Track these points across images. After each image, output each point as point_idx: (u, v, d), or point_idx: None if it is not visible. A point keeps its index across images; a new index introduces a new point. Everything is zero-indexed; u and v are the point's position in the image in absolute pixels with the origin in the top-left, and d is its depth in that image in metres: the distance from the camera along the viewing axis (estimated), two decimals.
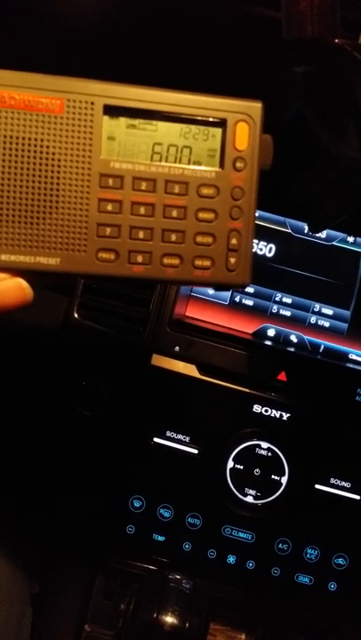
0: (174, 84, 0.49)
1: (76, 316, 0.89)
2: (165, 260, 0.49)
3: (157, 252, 0.49)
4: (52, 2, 0.79)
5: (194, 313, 0.93)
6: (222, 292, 0.93)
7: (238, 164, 0.49)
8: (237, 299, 0.93)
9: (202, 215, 0.49)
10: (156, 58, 0.80)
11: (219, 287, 0.54)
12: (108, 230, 0.48)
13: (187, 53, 0.80)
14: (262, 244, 0.92)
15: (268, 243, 0.92)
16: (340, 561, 0.96)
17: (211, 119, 0.49)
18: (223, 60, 0.81)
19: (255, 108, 0.50)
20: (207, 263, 0.50)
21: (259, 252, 0.92)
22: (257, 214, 0.89)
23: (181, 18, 0.80)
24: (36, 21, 0.80)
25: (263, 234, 0.92)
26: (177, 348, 0.90)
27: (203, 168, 0.49)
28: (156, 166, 0.48)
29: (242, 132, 0.49)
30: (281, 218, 0.92)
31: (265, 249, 0.92)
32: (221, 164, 0.49)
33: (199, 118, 0.49)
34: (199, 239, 0.49)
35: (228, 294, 0.93)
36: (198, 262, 0.50)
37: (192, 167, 0.49)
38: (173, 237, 0.49)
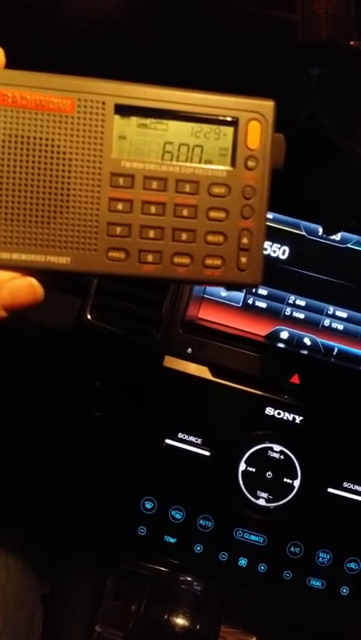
0: (185, 85, 0.49)
1: (88, 317, 0.90)
2: (176, 260, 0.49)
3: (168, 252, 0.49)
4: (59, 5, 0.79)
5: (206, 315, 0.93)
6: (235, 292, 0.92)
7: (250, 163, 0.49)
8: (250, 301, 0.93)
9: (213, 214, 0.49)
10: (167, 59, 0.81)
11: (230, 287, 0.54)
12: (119, 229, 0.48)
13: (199, 55, 0.81)
14: (276, 245, 0.92)
15: (282, 245, 0.92)
16: (353, 565, 0.95)
17: (222, 118, 0.49)
18: (236, 62, 0.81)
19: (267, 106, 0.49)
20: (218, 262, 0.50)
21: (272, 254, 0.92)
22: (271, 216, 0.90)
23: (192, 19, 0.80)
24: (46, 22, 0.80)
25: (277, 236, 0.92)
26: (189, 349, 0.90)
27: (214, 167, 0.49)
28: (167, 165, 0.48)
29: (254, 130, 0.49)
30: (295, 220, 0.92)
31: (279, 251, 0.92)
32: (233, 163, 0.49)
33: (211, 117, 0.48)
34: (210, 238, 0.49)
35: (241, 296, 0.93)
36: (209, 261, 0.49)
37: (203, 166, 0.49)
38: (184, 236, 0.49)
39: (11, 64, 0.46)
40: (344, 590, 0.96)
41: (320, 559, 0.95)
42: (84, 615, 1.00)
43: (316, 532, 0.95)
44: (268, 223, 0.88)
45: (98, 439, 0.95)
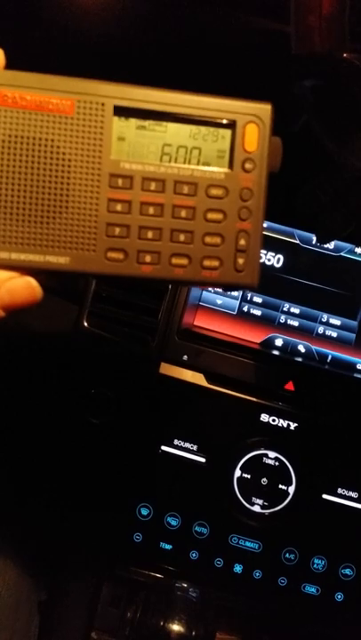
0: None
1: (85, 324, 0.90)
2: (174, 260, 0.49)
3: (166, 252, 0.49)
4: (58, 14, 0.80)
5: (202, 322, 0.94)
6: (230, 299, 0.93)
7: (247, 166, 0.50)
8: (245, 308, 0.94)
9: (210, 216, 0.49)
10: (167, 66, 0.81)
11: (227, 287, 0.54)
12: (118, 230, 0.48)
13: (192, 68, 0.82)
14: (271, 254, 0.93)
15: (277, 253, 0.93)
16: (347, 571, 0.95)
17: (220, 121, 0.49)
18: (230, 74, 0.81)
19: (265, 109, 0.50)
20: (215, 263, 0.50)
21: (267, 263, 0.93)
22: (265, 225, 0.91)
23: (185, 31, 0.82)
24: (47, 24, 0.81)
25: (272, 244, 0.93)
26: (185, 357, 0.90)
27: (212, 169, 0.49)
28: (166, 167, 0.49)
29: (251, 133, 0.50)
30: (289, 229, 0.93)
31: (273, 259, 0.93)
32: (230, 165, 0.50)
33: (209, 120, 0.49)
34: (208, 239, 0.50)
35: (236, 304, 0.94)
36: (207, 262, 0.50)
37: (201, 168, 0.49)
38: (182, 237, 0.49)
39: (11, 65, 0.47)
40: (339, 596, 0.96)
41: (315, 565, 0.95)
42: (80, 622, 1.00)
43: (311, 539, 0.95)
44: (263, 232, 0.89)
45: (94, 446, 0.95)
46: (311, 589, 0.96)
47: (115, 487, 0.97)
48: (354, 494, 0.93)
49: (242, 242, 0.50)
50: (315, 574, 0.96)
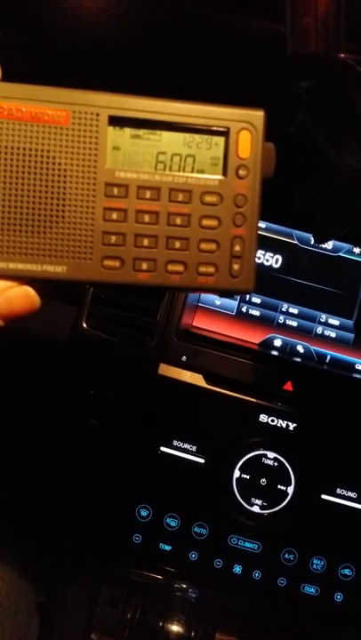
0: (178, 96, 0.50)
1: (84, 325, 0.90)
2: (170, 267, 0.50)
3: (162, 259, 0.49)
4: (57, 16, 0.80)
5: (201, 323, 0.94)
6: (229, 300, 0.93)
7: (241, 172, 0.50)
8: (244, 309, 0.94)
9: (205, 222, 0.50)
10: (161, 71, 0.81)
11: (223, 293, 0.54)
12: (114, 238, 0.48)
13: (190, 67, 0.82)
14: (269, 254, 0.93)
15: (275, 254, 0.93)
16: (347, 571, 0.95)
17: (214, 128, 0.49)
18: (227, 74, 0.81)
19: (257, 116, 0.50)
20: (211, 270, 0.50)
21: (265, 263, 0.93)
22: (264, 225, 0.91)
23: (185, 31, 0.81)
24: (41, 35, 0.81)
25: (270, 245, 0.93)
26: (184, 357, 0.90)
27: (206, 176, 0.49)
28: (160, 175, 0.49)
29: (244, 140, 0.50)
30: (287, 229, 0.93)
31: (272, 260, 0.93)
32: (224, 172, 0.50)
33: (202, 127, 0.49)
34: (203, 246, 0.50)
35: (234, 304, 0.94)
36: (202, 269, 0.50)
37: (196, 175, 0.49)
38: (177, 244, 0.49)
39: (10, 65, 0.47)
40: (338, 597, 0.96)
41: (314, 566, 0.95)
42: (79, 622, 1.00)
43: (311, 539, 0.95)
44: (261, 232, 0.90)
45: (93, 447, 0.95)
46: (311, 590, 0.96)
47: (114, 488, 0.97)
48: (353, 494, 0.93)
49: (237, 248, 0.50)
50: (314, 575, 0.96)
